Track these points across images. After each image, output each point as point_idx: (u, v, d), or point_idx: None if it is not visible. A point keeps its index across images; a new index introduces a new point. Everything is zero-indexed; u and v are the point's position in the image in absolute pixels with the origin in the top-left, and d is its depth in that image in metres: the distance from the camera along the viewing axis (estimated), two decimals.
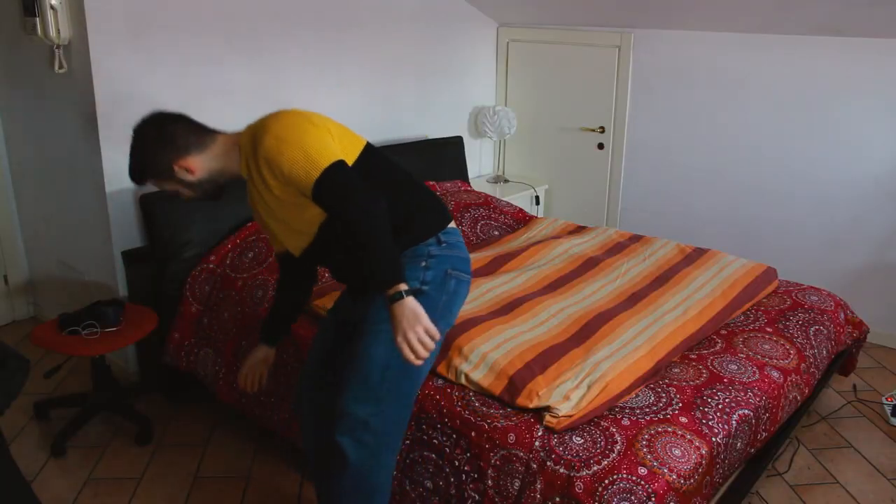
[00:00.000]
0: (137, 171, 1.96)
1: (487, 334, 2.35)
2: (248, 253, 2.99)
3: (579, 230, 3.56)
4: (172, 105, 3.15)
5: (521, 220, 3.77)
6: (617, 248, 3.27)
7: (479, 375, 2.20)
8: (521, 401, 2.10)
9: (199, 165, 1.95)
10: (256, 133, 1.87)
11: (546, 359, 2.25)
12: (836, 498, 2.62)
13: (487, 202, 3.74)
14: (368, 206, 1.74)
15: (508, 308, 2.59)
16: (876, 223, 3.65)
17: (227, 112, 3.38)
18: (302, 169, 1.76)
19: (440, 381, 2.27)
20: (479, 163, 4.87)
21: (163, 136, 1.93)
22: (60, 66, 2.98)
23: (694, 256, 3.15)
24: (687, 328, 2.53)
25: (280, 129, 1.81)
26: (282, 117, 1.86)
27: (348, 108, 3.91)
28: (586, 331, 2.46)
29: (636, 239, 3.39)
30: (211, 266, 2.98)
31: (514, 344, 2.32)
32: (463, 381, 2.22)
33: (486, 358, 2.23)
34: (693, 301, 2.74)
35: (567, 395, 2.10)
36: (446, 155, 4.23)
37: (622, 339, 2.42)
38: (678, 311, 2.65)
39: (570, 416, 2.03)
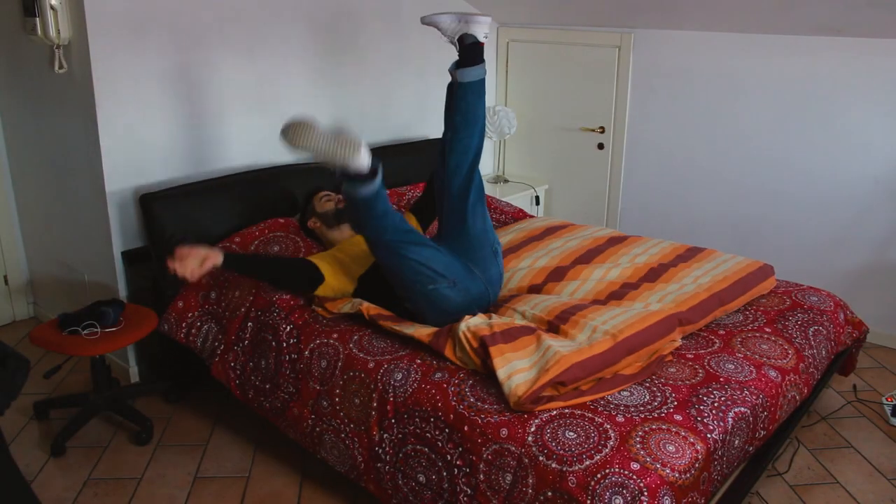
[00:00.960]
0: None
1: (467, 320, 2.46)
2: (273, 246, 3.01)
3: (571, 228, 3.55)
4: (171, 105, 3.17)
5: (521, 220, 3.77)
6: (608, 244, 3.26)
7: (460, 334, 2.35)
8: (493, 352, 2.22)
9: None
10: None
11: (511, 334, 2.33)
12: (836, 498, 2.62)
13: (488, 203, 3.74)
14: None
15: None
16: (876, 223, 3.65)
17: (227, 112, 3.40)
18: None
19: (437, 376, 2.28)
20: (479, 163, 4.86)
21: None
22: (60, 66, 2.98)
23: (688, 255, 3.15)
24: (655, 316, 2.50)
25: None
26: None
27: (348, 109, 3.91)
28: (557, 320, 2.49)
29: (630, 237, 3.38)
30: (233, 247, 2.99)
31: (486, 323, 2.41)
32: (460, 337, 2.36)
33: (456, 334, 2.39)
34: (680, 293, 2.74)
35: (519, 370, 2.17)
36: None
37: (590, 326, 2.43)
38: (663, 302, 2.66)
39: (520, 395, 2.09)
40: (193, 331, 2.90)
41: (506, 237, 3.38)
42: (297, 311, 2.72)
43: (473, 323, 2.39)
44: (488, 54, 4.67)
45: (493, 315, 2.53)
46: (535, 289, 2.88)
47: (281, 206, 3.33)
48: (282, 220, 3.18)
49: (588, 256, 3.09)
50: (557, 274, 2.94)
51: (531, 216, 3.87)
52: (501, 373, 2.17)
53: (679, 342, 2.51)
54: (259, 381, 2.67)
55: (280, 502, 2.57)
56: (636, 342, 2.35)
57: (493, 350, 2.22)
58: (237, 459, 2.80)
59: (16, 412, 3.05)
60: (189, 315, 2.92)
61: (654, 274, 2.95)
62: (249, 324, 2.76)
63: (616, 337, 2.33)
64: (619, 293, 2.79)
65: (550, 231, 3.40)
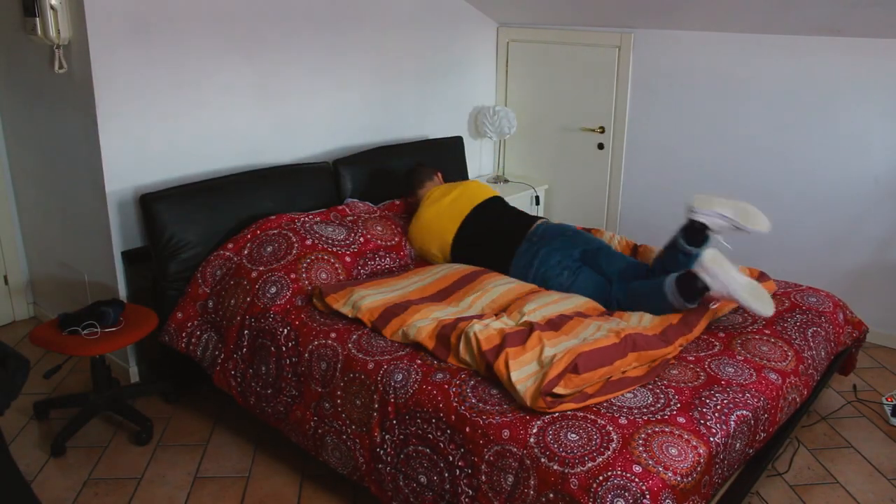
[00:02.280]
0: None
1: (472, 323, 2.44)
2: (267, 247, 3.01)
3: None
4: (171, 105, 3.17)
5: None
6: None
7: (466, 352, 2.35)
8: (497, 365, 2.21)
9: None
10: None
11: (513, 338, 2.32)
12: (836, 498, 2.63)
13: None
14: None
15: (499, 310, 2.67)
16: (876, 223, 3.65)
17: (227, 113, 3.40)
18: None
19: (439, 377, 2.28)
20: (479, 163, 4.87)
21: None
22: (60, 66, 2.98)
23: None
24: (650, 330, 2.51)
25: None
26: None
27: (349, 109, 3.91)
28: (553, 324, 2.48)
29: (636, 250, 3.35)
30: (227, 254, 2.99)
31: (496, 329, 2.40)
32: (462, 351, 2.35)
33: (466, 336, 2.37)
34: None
35: (530, 375, 2.17)
36: (446, 155, 4.23)
37: (594, 325, 2.44)
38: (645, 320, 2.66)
39: (537, 386, 2.10)
40: (193, 340, 2.90)
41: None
42: (293, 312, 2.72)
43: (485, 332, 2.36)
44: (488, 54, 4.69)
45: (504, 315, 2.54)
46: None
47: (281, 206, 3.33)
48: (273, 217, 3.16)
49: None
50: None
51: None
52: (516, 374, 2.16)
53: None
54: (260, 388, 2.67)
55: (280, 502, 2.57)
56: (640, 341, 2.35)
57: (511, 354, 2.22)
58: (237, 459, 2.80)
59: (16, 412, 3.05)
60: (188, 325, 2.92)
61: None
62: (246, 332, 2.76)
63: (619, 334, 2.33)
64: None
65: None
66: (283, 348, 2.61)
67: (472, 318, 2.51)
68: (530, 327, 2.42)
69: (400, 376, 2.32)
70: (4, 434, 2.05)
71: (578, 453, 1.95)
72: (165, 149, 3.20)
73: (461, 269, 2.99)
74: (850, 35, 3.49)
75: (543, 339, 2.32)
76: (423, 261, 3.34)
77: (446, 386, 2.24)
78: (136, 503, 2.57)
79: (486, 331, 2.35)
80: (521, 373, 2.18)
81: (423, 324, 2.49)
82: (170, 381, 3.16)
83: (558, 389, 2.11)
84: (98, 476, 2.70)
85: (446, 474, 2.13)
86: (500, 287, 2.80)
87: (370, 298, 2.68)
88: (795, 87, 3.72)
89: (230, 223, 3.15)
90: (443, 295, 2.79)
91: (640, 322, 2.61)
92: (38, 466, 2.74)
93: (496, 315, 2.58)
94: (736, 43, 3.83)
